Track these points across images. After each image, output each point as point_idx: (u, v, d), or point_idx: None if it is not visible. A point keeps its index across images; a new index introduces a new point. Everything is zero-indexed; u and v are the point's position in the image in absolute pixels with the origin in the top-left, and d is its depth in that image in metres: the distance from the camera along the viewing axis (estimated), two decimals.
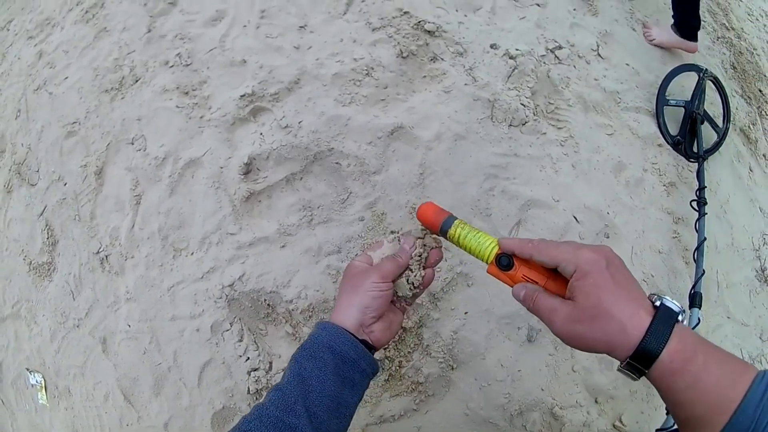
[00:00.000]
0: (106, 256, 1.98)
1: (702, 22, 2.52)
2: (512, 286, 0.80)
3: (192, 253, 1.85)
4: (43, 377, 2.02)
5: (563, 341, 0.71)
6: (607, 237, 1.90)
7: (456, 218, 0.87)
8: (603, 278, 0.66)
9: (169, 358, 1.84)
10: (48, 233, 2.09)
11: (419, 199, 1.81)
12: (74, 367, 1.94)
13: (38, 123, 2.24)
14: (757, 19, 3.25)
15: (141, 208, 1.94)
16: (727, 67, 2.73)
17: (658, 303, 0.66)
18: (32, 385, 2.04)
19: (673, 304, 0.66)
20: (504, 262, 0.79)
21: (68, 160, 2.12)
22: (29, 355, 2.05)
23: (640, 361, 0.63)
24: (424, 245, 0.92)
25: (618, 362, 0.67)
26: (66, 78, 2.28)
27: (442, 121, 1.88)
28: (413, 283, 0.90)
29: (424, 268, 0.92)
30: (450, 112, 1.91)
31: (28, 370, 2.05)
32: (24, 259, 2.12)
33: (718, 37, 2.82)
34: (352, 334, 0.83)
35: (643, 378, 0.65)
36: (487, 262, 0.82)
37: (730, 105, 2.39)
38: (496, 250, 0.80)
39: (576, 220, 1.87)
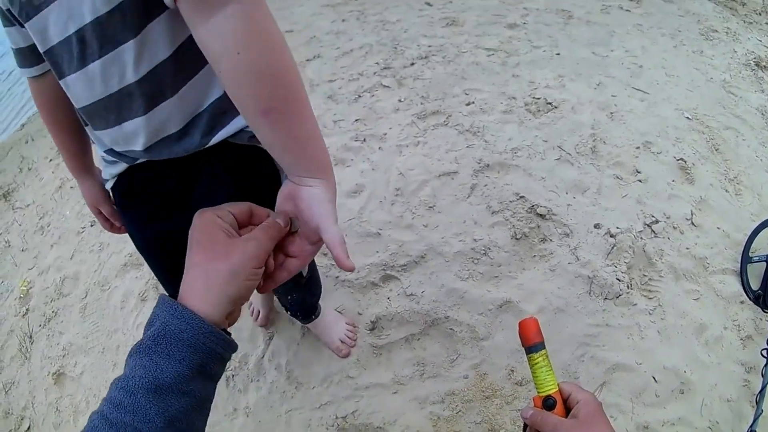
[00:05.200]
0: (232, 376, 2.21)
1: None
2: None
3: (313, 387, 2.12)
4: None
5: None
6: (682, 393, 2.03)
7: (545, 348, 0.98)
8: (597, 407, 0.90)
9: None
10: None
11: (518, 362, 2.07)
12: None
13: None
14: None
15: (273, 343, 2.27)
16: None
17: None
18: None
19: None
20: (550, 402, 0.94)
21: None
22: None
23: None
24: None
25: None
26: None
27: (546, 296, 2.19)
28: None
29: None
30: (553, 288, 2.21)
31: None
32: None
33: None
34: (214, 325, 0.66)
35: None
36: (539, 394, 0.97)
37: None
38: (551, 392, 0.95)
39: (654, 380, 2.05)
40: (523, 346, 0.99)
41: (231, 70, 0.71)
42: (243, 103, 0.75)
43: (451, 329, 2.18)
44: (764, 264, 2.38)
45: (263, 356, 2.24)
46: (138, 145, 1.04)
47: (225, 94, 1.00)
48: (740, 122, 2.99)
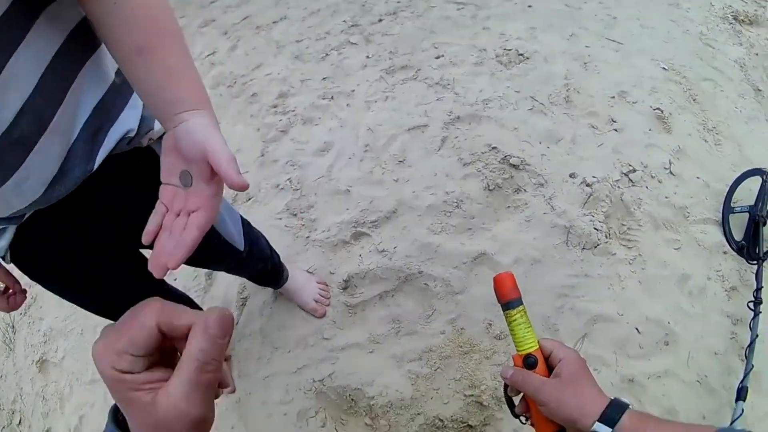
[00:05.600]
0: None
1: None
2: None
3: (289, 351, 2.10)
4: None
5: (545, 407, 0.88)
6: (666, 344, 2.02)
7: (522, 303, 0.95)
8: (581, 365, 0.90)
9: None
10: None
11: (495, 316, 2.04)
12: None
13: None
14: None
15: (246, 308, 2.23)
16: None
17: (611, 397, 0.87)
18: None
19: (623, 400, 0.85)
20: (530, 361, 0.93)
21: None
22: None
23: (606, 422, 0.81)
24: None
25: None
26: None
27: (521, 248, 2.14)
28: None
29: None
30: (529, 239, 2.16)
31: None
32: None
33: None
34: None
35: None
36: (518, 352, 0.95)
37: None
38: (532, 350, 0.93)
39: (638, 331, 2.02)
40: (499, 302, 0.96)
41: (105, 13, 0.73)
42: (118, 47, 0.76)
43: (425, 284, 2.14)
44: (747, 215, 2.35)
45: (237, 322, 2.20)
46: (17, 206, 0.94)
47: (91, 113, 0.93)
48: (718, 74, 2.93)
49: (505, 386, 1.01)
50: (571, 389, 0.87)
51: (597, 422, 0.81)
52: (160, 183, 0.83)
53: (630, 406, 0.84)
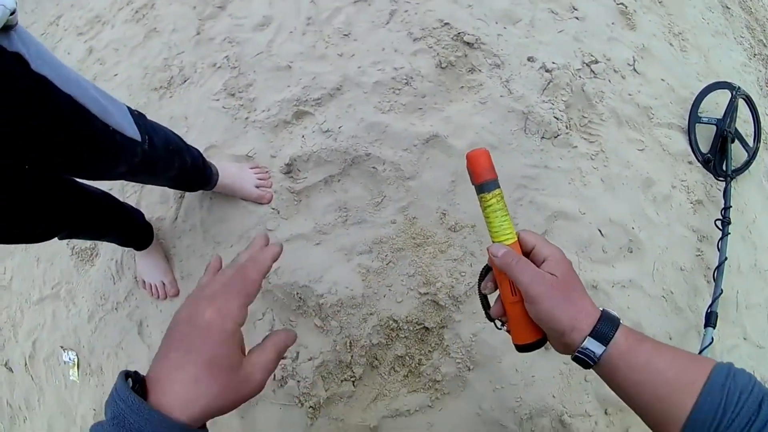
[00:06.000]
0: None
1: (740, 38, 2.56)
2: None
3: (231, 246, 1.96)
4: (76, 355, 2.12)
5: (536, 305, 0.77)
6: (631, 251, 1.97)
7: (499, 186, 0.86)
8: (570, 266, 0.80)
9: None
10: None
11: (450, 205, 1.92)
12: (109, 347, 2.04)
13: None
14: None
15: (185, 201, 2.05)
16: (762, 84, 2.74)
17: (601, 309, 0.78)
18: (65, 362, 2.14)
19: (612, 312, 0.78)
20: None
21: None
22: (65, 334, 2.16)
23: (598, 338, 0.73)
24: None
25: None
26: (116, 75, 2.43)
27: (476, 132, 1.99)
28: None
29: None
30: (485, 122, 2.01)
31: (62, 347, 2.16)
32: (67, 244, 2.25)
33: (755, 54, 2.83)
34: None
35: None
36: (493, 243, 0.85)
37: (762, 124, 2.41)
38: (510, 242, 0.84)
39: (600, 233, 1.95)
40: (472, 183, 0.87)
41: None
42: None
43: (373, 168, 1.99)
44: (714, 127, 2.33)
45: (176, 217, 2.08)
46: None
47: None
48: None
49: (480, 280, 0.92)
50: (565, 293, 0.78)
51: (589, 337, 0.74)
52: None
53: (620, 322, 0.77)
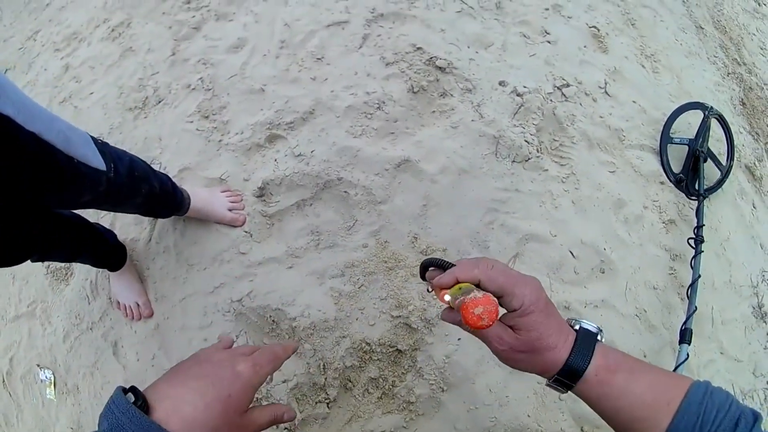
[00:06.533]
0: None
1: (714, 57, 2.59)
2: (443, 303, 0.83)
3: (205, 268, 1.96)
4: (53, 374, 2.11)
5: (502, 362, 0.80)
6: (603, 272, 1.98)
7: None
8: (543, 316, 0.76)
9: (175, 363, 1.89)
10: None
11: (421, 229, 1.94)
12: (84, 366, 2.04)
13: None
14: None
15: (158, 223, 2.05)
16: (736, 103, 2.76)
17: (576, 327, 0.78)
18: (41, 381, 2.13)
19: (590, 326, 0.78)
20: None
21: None
22: (41, 352, 2.15)
23: (567, 377, 0.74)
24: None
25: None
26: (91, 93, 2.42)
27: (448, 156, 2.01)
28: None
29: None
30: (456, 147, 2.03)
31: (38, 366, 2.15)
32: (43, 263, 2.24)
33: (729, 73, 2.86)
34: None
35: None
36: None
37: (735, 143, 2.43)
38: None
39: (572, 255, 1.96)
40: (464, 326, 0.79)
41: None
42: None
43: (345, 192, 2.00)
44: (686, 147, 2.34)
45: (150, 239, 2.07)
46: None
47: None
48: (659, 3, 2.87)
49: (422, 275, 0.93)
50: (529, 349, 0.77)
51: (557, 376, 0.76)
52: None
53: (599, 336, 0.78)
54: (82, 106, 2.39)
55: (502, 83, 2.17)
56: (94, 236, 1.74)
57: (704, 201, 2.17)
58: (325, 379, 1.77)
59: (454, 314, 0.82)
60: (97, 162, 1.29)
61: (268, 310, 1.86)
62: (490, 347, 0.80)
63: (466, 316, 0.72)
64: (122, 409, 0.62)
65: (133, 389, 0.66)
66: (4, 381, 2.25)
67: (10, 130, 1.00)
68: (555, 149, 2.13)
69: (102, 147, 1.35)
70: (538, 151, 2.08)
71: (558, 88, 2.23)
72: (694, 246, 2.06)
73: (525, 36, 2.30)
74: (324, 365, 1.78)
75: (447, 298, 0.80)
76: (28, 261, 1.42)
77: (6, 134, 1.00)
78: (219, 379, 0.72)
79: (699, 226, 2.09)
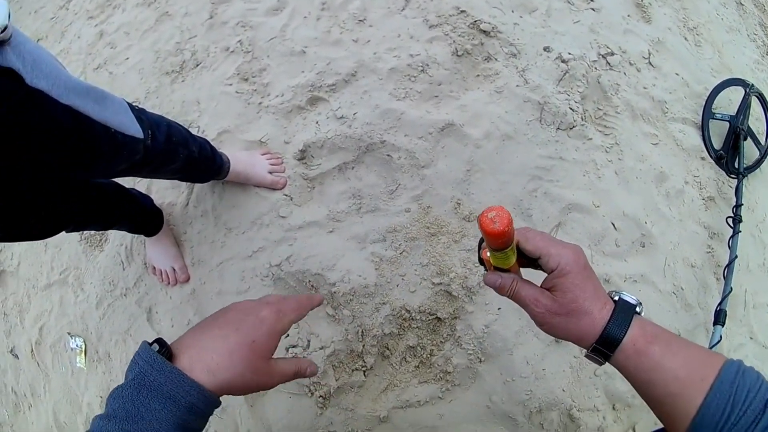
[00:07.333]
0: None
1: (754, 35, 2.53)
2: (486, 269, 0.86)
3: (243, 232, 1.94)
4: (84, 342, 2.10)
5: (539, 327, 0.79)
6: (643, 246, 1.94)
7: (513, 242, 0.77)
8: (580, 278, 0.75)
9: None
10: None
11: (464, 194, 1.89)
12: (117, 333, 2.02)
13: None
14: None
15: (196, 187, 2.02)
16: None
17: (616, 298, 0.76)
18: (72, 349, 2.12)
19: (630, 298, 0.76)
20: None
21: None
22: (72, 320, 2.13)
23: (604, 345, 0.72)
24: None
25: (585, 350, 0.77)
26: (127, 59, 2.40)
27: (492, 121, 1.96)
28: None
29: None
30: (500, 112, 1.98)
31: (69, 334, 2.13)
32: None
33: None
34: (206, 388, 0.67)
35: None
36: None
37: None
38: (509, 265, 0.81)
39: (614, 227, 1.92)
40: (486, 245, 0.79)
41: None
42: None
43: (388, 155, 1.95)
44: (727, 123, 2.29)
45: (187, 203, 2.05)
46: None
47: None
48: None
49: (479, 248, 0.88)
50: (566, 313, 0.76)
51: (595, 345, 0.74)
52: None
53: (638, 308, 0.76)
54: (117, 72, 2.36)
55: (546, 49, 2.12)
56: (132, 204, 1.72)
57: (743, 180, 2.13)
58: (363, 346, 1.75)
59: (495, 276, 0.82)
60: (135, 130, 1.28)
61: (308, 275, 1.83)
62: (527, 310, 0.80)
63: (481, 221, 0.69)
64: (146, 358, 0.65)
65: (159, 341, 0.69)
66: (32, 351, 2.24)
67: (45, 104, 0.99)
68: (599, 118, 2.08)
69: (139, 113, 1.34)
70: (582, 119, 2.03)
71: (602, 56, 2.17)
72: (732, 225, 2.03)
73: (569, 2, 2.25)
74: (362, 332, 1.76)
75: (488, 254, 0.80)
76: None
77: (41, 109, 0.99)
78: (243, 325, 0.76)
79: (738, 205, 2.05)
